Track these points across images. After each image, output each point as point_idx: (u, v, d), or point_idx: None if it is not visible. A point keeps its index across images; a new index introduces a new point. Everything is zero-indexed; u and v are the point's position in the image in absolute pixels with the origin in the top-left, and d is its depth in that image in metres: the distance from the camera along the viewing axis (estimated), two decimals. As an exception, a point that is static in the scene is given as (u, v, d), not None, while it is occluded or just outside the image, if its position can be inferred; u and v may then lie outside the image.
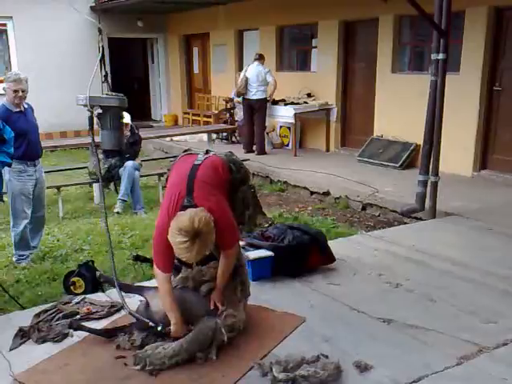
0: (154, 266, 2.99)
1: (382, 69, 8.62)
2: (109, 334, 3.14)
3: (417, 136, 7.17)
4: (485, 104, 7.33)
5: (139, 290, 3.34)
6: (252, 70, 9.46)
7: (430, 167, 5.68)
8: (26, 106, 4.74)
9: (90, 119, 3.15)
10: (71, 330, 3.20)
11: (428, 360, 2.91)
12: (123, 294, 3.28)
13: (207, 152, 3.18)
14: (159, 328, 2.98)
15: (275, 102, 9.71)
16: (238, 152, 8.43)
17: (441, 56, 5.42)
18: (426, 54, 8.16)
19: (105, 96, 3.20)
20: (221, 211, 2.88)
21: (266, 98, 9.48)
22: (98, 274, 3.60)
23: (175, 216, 2.76)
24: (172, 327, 2.96)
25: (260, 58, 9.58)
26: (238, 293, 3.19)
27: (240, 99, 9.95)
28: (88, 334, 3.16)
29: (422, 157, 5.84)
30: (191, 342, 2.88)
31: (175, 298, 2.99)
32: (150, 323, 3.02)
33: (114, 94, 3.29)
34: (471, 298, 3.73)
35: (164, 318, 3.00)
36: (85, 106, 3.11)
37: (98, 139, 3.37)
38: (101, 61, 3.28)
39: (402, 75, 8.44)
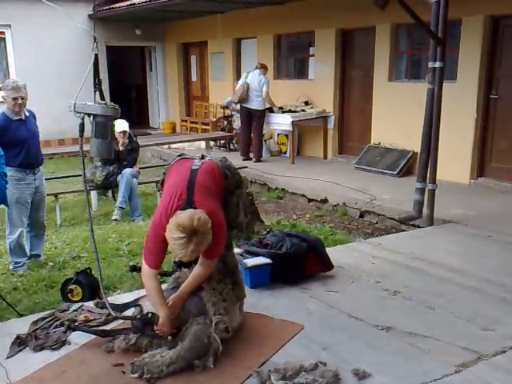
0: (143, 262, 3.02)
1: (379, 77, 8.66)
2: (104, 334, 3.16)
3: (414, 144, 7.19)
4: (482, 112, 7.37)
5: (135, 301, 3.34)
6: (254, 77, 9.48)
7: (428, 175, 5.69)
8: (27, 114, 4.73)
9: (81, 126, 3.16)
10: (69, 338, 3.19)
11: (426, 368, 2.91)
12: (121, 310, 3.29)
13: (203, 157, 3.20)
14: (149, 315, 3.01)
15: (272, 110, 9.74)
16: (236, 159, 8.45)
17: (437, 64, 5.46)
18: (422, 63, 8.20)
19: (91, 104, 3.20)
20: (216, 218, 2.90)
21: (265, 108, 9.51)
22: (95, 301, 3.57)
23: (174, 214, 2.80)
24: (160, 319, 2.98)
25: (262, 67, 9.55)
26: (229, 297, 3.17)
27: (237, 107, 9.98)
28: (85, 342, 3.16)
29: (419, 164, 5.86)
30: (188, 349, 2.88)
31: (163, 295, 3.03)
32: (139, 315, 3.04)
33: (103, 102, 3.28)
34: (469, 305, 3.73)
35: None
36: (76, 112, 3.11)
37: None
38: (95, 69, 3.28)
39: (398, 83, 8.48)
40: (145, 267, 3.00)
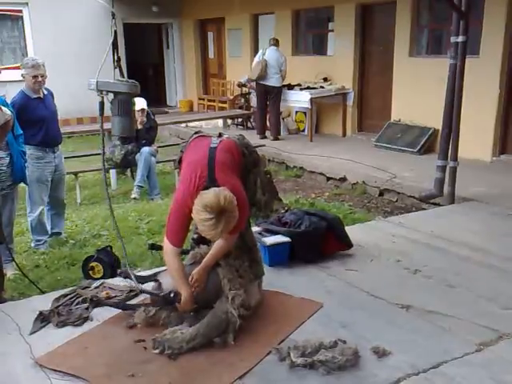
0: (165, 240, 3.00)
1: (400, 52, 8.49)
2: (125, 307, 3.22)
3: (435, 121, 7.08)
4: (505, 87, 7.20)
5: (154, 276, 3.38)
6: (271, 54, 9.36)
7: (449, 152, 5.61)
8: (45, 92, 4.74)
9: (101, 104, 3.13)
10: (91, 314, 3.24)
11: (447, 346, 2.89)
12: (141, 284, 3.33)
13: (220, 135, 3.18)
14: (171, 294, 3.03)
15: (291, 87, 9.64)
16: (254, 138, 8.41)
17: (460, 39, 5.32)
18: (444, 37, 8.02)
19: (114, 81, 3.17)
20: (239, 194, 2.88)
21: (281, 85, 9.42)
22: (118, 271, 3.61)
23: (198, 194, 2.77)
24: (182, 298, 3.00)
25: (277, 43, 9.50)
26: (246, 274, 3.18)
27: (253, 84, 9.88)
28: (107, 318, 3.20)
29: (440, 142, 5.77)
30: (206, 326, 2.91)
31: (185, 273, 3.03)
32: (162, 293, 3.07)
33: (124, 79, 3.26)
34: (490, 284, 3.69)
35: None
36: (96, 90, 3.08)
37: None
38: (113, 46, 3.24)
39: (420, 58, 8.31)
40: (168, 246, 2.98)
